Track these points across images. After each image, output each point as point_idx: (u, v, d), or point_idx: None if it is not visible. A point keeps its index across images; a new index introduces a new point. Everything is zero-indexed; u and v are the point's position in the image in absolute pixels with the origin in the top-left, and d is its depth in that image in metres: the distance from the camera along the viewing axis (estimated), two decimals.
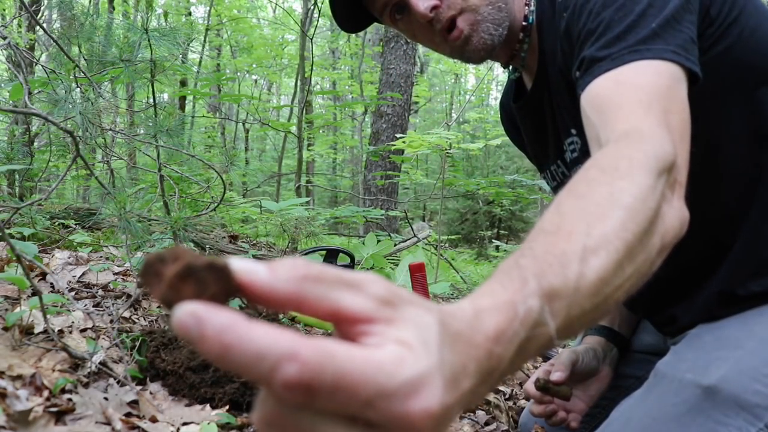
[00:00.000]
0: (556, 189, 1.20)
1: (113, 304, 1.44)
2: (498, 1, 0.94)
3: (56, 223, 2.28)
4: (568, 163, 1.05)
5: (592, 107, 0.72)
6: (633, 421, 0.90)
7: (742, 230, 0.92)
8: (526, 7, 1.00)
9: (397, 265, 3.80)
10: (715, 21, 0.85)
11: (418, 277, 1.55)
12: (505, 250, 11.30)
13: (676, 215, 0.58)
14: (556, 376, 1.10)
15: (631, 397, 0.95)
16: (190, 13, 11.18)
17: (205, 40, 10.37)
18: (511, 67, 1.11)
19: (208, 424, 1.03)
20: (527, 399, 1.65)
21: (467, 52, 0.97)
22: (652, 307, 1.10)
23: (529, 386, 1.14)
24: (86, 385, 1.07)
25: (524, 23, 1.00)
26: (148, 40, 1.24)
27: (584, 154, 0.97)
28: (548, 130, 1.09)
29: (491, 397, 1.56)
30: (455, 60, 1.05)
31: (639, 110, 0.66)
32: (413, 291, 1.45)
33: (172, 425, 1.02)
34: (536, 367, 2.24)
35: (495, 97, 20.69)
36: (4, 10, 6.86)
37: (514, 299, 0.41)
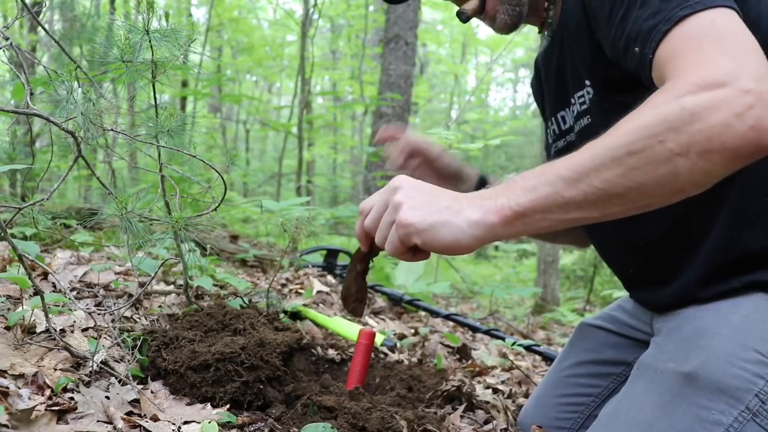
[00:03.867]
0: (546, 149, 1.27)
1: (114, 303, 1.45)
2: None
3: (58, 223, 2.29)
4: (575, 116, 1.10)
5: (663, 69, 0.79)
6: (621, 412, 0.92)
7: (717, 223, 0.95)
8: None
9: (396, 264, 3.80)
10: None
11: (363, 346, 1.39)
12: (504, 250, 11.31)
13: (727, 111, 0.67)
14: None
15: (618, 393, 0.98)
16: (190, 15, 11.18)
17: (205, 41, 10.37)
18: (546, 32, 1.19)
19: (209, 422, 1.04)
20: (525, 397, 1.65)
21: (495, 27, 1.15)
22: (633, 285, 1.16)
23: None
24: (88, 384, 1.07)
25: None
26: (149, 41, 1.24)
27: (594, 104, 1.02)
28: (551, 84, 1.17)
29: (489, 397, 1.56)
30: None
31: (683, 58, 0.74)
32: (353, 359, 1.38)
33: (174, 424, 1.03)
34: (536, 367, 2.25)
35: (494, 98, 20.69)
36: (5, 11, 6.88)
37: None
